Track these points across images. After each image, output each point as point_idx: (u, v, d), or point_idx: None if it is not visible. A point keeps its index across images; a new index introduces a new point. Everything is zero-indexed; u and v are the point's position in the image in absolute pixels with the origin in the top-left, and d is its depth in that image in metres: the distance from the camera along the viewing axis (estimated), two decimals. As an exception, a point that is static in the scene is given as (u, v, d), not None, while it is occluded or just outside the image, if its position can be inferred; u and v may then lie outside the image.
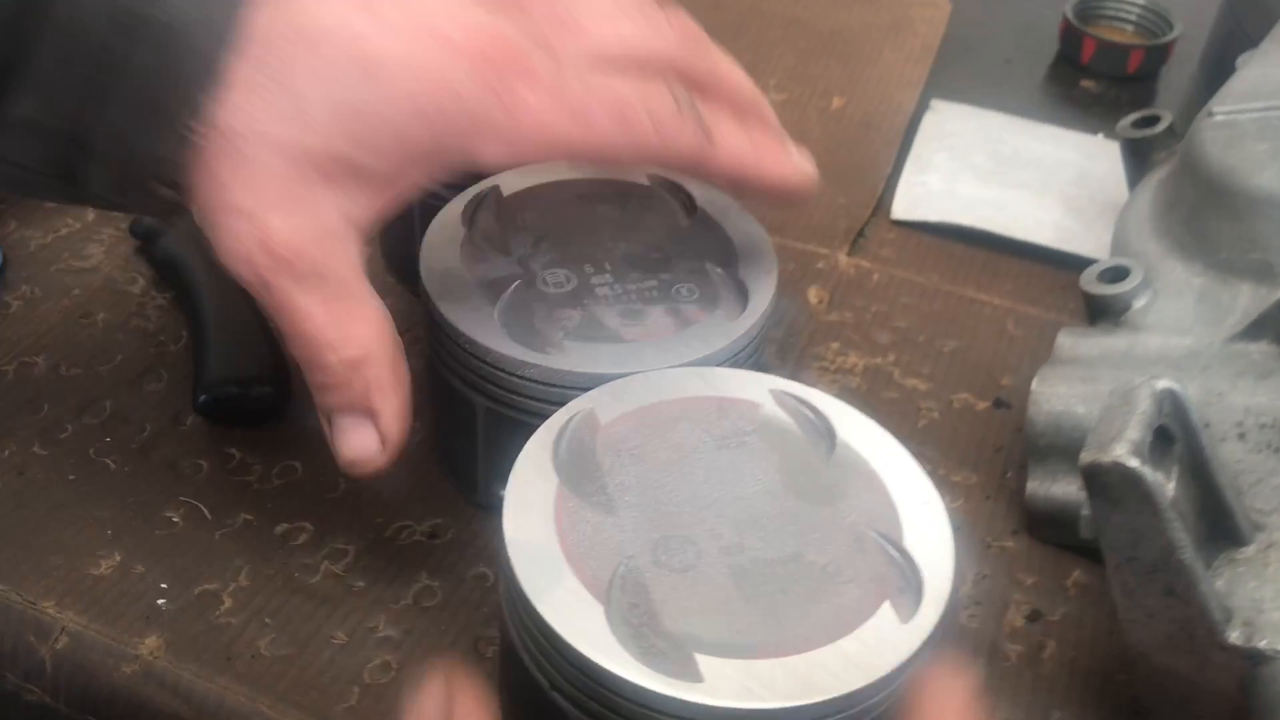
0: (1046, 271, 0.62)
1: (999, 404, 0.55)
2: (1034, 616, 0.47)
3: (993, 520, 0.50)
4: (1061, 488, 0.48)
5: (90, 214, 0.61)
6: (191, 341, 0.53)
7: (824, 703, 0.33)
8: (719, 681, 0.33)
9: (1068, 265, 0.62)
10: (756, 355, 0.47)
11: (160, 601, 0.44)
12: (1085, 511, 0.40)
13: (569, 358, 0.43)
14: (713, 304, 0.46)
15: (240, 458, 0.50)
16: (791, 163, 0.45)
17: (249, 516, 0.48)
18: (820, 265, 0.62)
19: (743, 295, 0.46)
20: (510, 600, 0.37)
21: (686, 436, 0.41)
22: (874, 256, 0.63)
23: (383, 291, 0.58)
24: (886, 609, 0.36)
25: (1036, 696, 0.44)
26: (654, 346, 0.44)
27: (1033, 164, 0.67)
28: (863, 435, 0.41)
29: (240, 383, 0.50)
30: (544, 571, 0.36)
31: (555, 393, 0.43)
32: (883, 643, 0.35)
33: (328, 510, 0.48)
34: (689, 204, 0.50)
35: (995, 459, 0.53)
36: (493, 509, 0.49)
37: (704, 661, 0.34)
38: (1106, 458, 0.36)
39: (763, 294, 0.46)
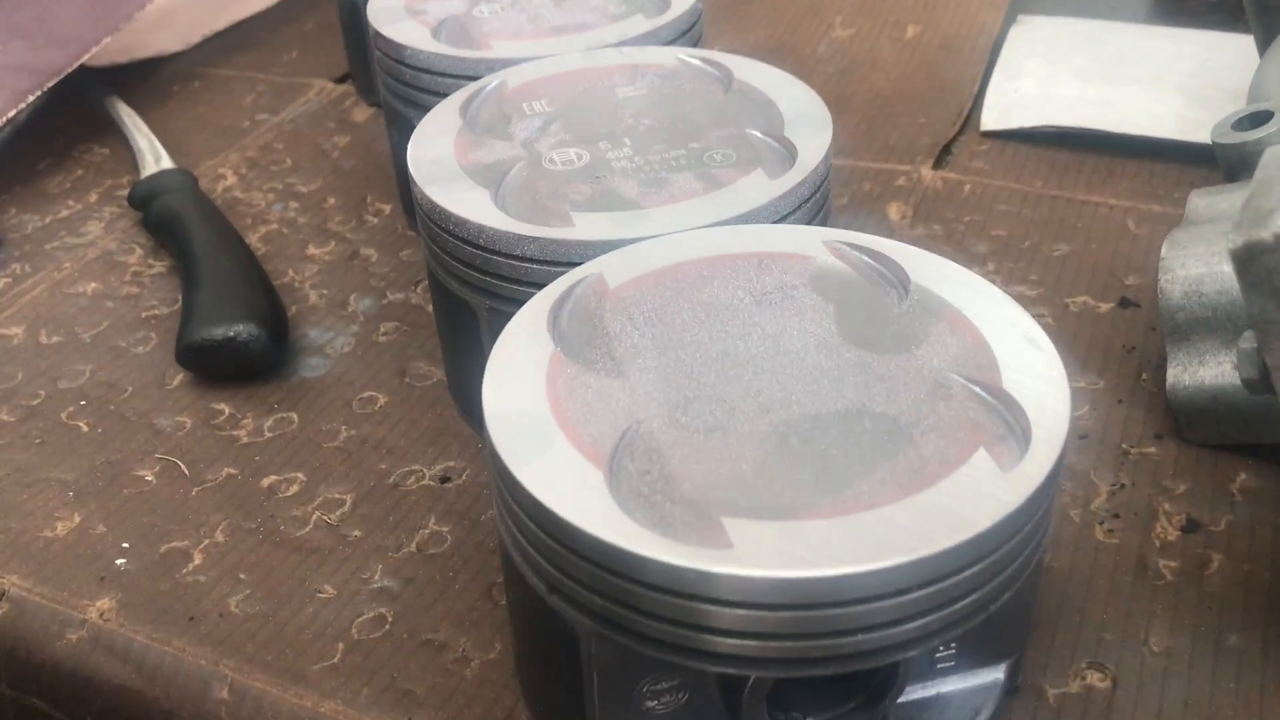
0: (1170, 168, 0.53)
1: (1125, 304, 0.45)
2: (1191, 527, 0.37)
3: (1129, 425, 0.40)
4: (1211, 370, 0.38)
5: (93, 195, 0.57)
6: (183, 296, 0.47)
7: (899, 567, 0.24)
8: (754, 547, 0.25)
9: (1196, 158, 0.53)
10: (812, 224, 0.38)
11: (120, 561, 0.37)
12: (1244, 344, 0.30)
13: (575, 228, 0.35)
14: (752, 166, 0.38)
15: (229, 413, 0.43)
16: None
17: (232, 471, 0.41)
18: (901, 182, 0.53)
19: (790, 155, 0.38)
20: (495, 488, 0.29)
21: (717, 295, 0.32)
22: (964, 169, 0.54)
23: (403, 244, 0.53)
24: (982, 457, 0.27)
25: (1203, 618, 0.34)
26: (678, 209, 0.36)
27: (1144, 60, 0.58)
28: (942, 276, 0.33)
29: (226, 326, 0.43)
30: (530, 440, 0.28)
31: (563, 273, 0.35)
32: (978, 495, 0.26)
33: (324, 459, 0.41)
34: (725, 79, 0.43)
35: (1127, 360, 0.43)
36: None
37: (733, 525, 0.25)
38: (1267, 233, 0.27)
39: (815, 150, 0.38)
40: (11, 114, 0.56)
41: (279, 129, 0.61)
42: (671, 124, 0.41)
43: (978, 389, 0.29)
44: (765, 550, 0.25)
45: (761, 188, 0.37)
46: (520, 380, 0.30)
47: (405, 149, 0.50)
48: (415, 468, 0.41)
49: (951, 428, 0.28)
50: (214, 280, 0.46)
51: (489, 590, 0.36)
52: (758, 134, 0.39)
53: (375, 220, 0.54)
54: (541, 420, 0.28)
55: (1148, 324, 0.44)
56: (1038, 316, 0.45)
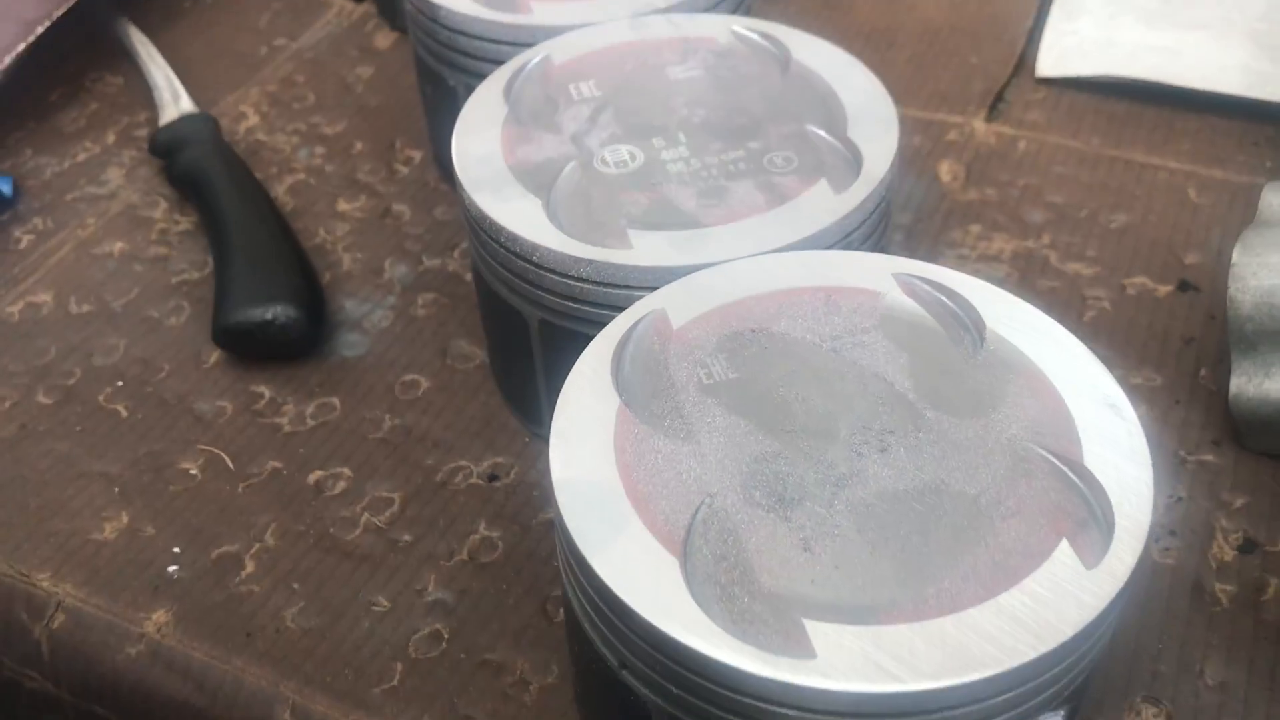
0: (1234, 126, 0.51)
1: (1184, 287, 0.44)
2: (1248, 547, 0.36)
3: (1186, 429, 0.40)
4: (1278, 383, 0.38)
5: (110, 136, 0.55)
6: (215, 267, 0.45)
7: (985, 680, 0.24)
8: (837, 656, 0.25)
9: (1261, 116, 0.51)
10: (876, 239, 0.37)
11: (171, 569, 0.37)
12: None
13: (634, 251, 0.34)
14: (815, 174, 0.36)
15: (270, 397, 0.43)
16: None
17: (277, 464, 0.40)
18: (953, 136, 0.52)
19: (855, 161, 0.36)
20: (565, 557, 0.29)
21: (785, 340, 0.31)
22: (1018, 122, 0.52)
23: (435, 200, 0.51)
24: (1065, 550, 0.26)
25: (1259, 648, 0.34)
26: (741, 230, 0.35)
27: (1210, 1, 0.55)
28: (1020, 325, 0.32)
29: (263, 308, 0.42)
30: (601, 518, 0.27)
31: (619, 295, 0.34)
32: (1062, 595, 0.25)
33: (370, 453, 0.41)
34: (783, 58, 0.41)
35: (1185, 354, 0.42)
36: (560, 443, 0.40)
37: (816, 630, 0.25)
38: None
39: (880, 158, 0.36)
40: (21, 48, 0.53)
41: (299, 58, 0.59)
42: (728, 116, 0.39)
43: (1060, 464, 0.28)
44: (848, 661, 0.24)
45: (826, 204, 0.35)
46: (587, 445, 0.29)
47: (439, 104, 0.48)
48: (463, 463, 0.40)
49: (1034, 511, 0.27)
50: (247, 253, 0.44)
51: (543, 606, 0.36)
52: (821, 133, 0.37)
53: (405, 170, 0.52)
54: (612, 494, 0.28)
55: (1207, 311, 0.43)
56: (1095, 301, 0.44)
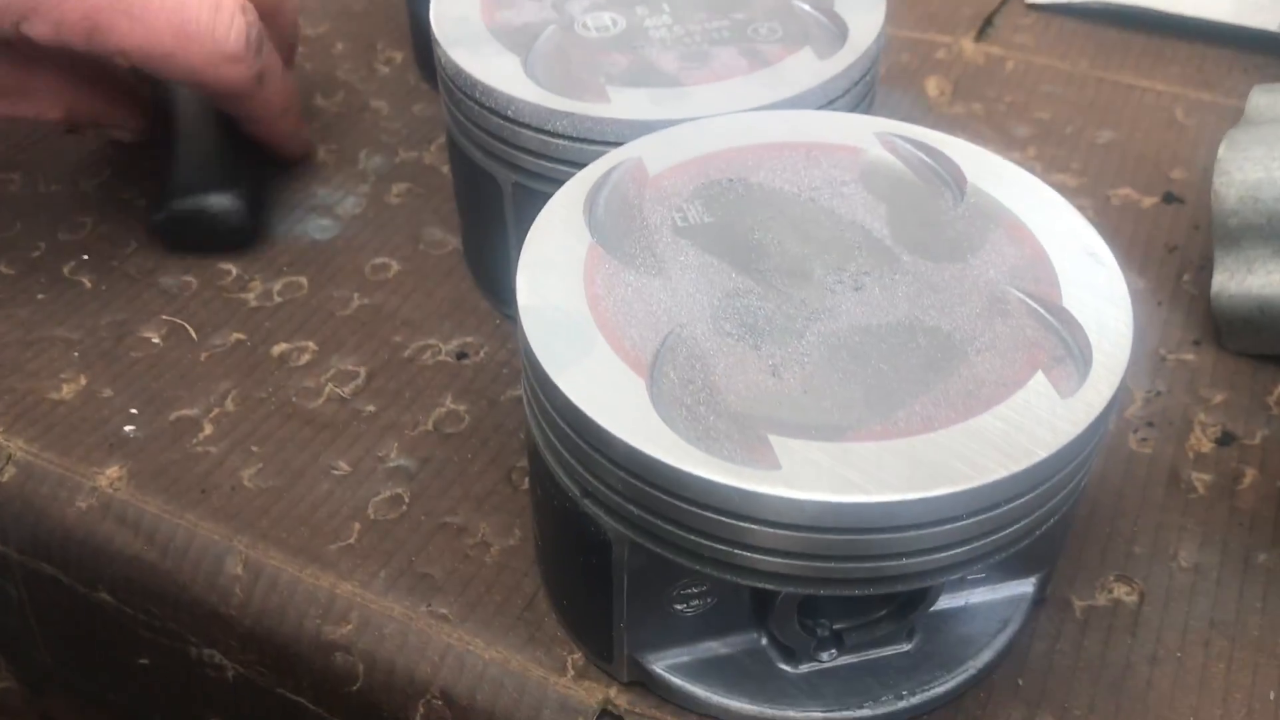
0: (1224, 54, 0.50)
1: (1169, 199, 0.44)
2: (1225, 440, 0.36)
3: (1168, 329, 0.39)
4: (1260, 279, 0.37)
5: (89, 28, 0.54)
6: (160, 160, 0.44)
7: (952, 495, 0.24)
8: (803, 469, 0.24)
9: (1250, 44, 0.50)
10: (862, 110, 0.37)
11: (128, 428, 0.36)
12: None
13: (611, 104, 0.34)
14: (800, 43, 0.36)
15: (236, 274, 0.42)
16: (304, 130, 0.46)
17: (241, 336, 0.40)
18: (940, 55, 0.51)
19: (840, 32, 0.36)
20: (528, 387, 0.28)
21: (762, 188, 0.31)
22: (1006, 43, 0.52)
23: (415, 98, 0.50)
24: (1040, 380, 0.26)
25: (1233, 534, 0.33)
26: (722, 89, 0.34)
27: (1202, -69, 0.55)
28: (1002, 179, 0.31)
29: (200, 197, 0.41)
30: (568, 340, 0.27)
31: (596, 152, 0.33)
32: (1036, 421, 0.25)
33: (336, 328, 0.40)
34: (770, -59, 0.40)
35: (1168, 260, 0.42)
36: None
37: (781, 445, 0.24)
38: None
39: (867, 29, 0.36)
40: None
41: (284, -37, 0.58)
42: (713, -10, 0.38)
43: (1036, 305, 0.27)
44: (814, 473, 0.24)
45: (810, 69, 0.34)
46: (557, 275, 0.28)
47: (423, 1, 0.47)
48: (431, 342, 0.39)
49: (1008, 347, 0.27)
50: (187, 144, 0.43)
51: (508, 474, 0.35)
52: (806, 7, 0.37)
53: (386, 70, 0.51)
54: (580, 320, 0.27)
55: (1191, 222, 0.43)
56: (1079, 209, 0.43)
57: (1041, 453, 0.24)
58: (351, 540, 0.33)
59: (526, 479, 0.35)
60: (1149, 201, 0.44)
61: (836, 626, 0.29)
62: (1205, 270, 0.40)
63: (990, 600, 0.31)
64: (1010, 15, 0.53)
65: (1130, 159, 0.46)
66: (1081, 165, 0.45)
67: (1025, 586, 0.31)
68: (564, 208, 0.30)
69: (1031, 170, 0.42)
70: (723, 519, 0.24)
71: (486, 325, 0.40)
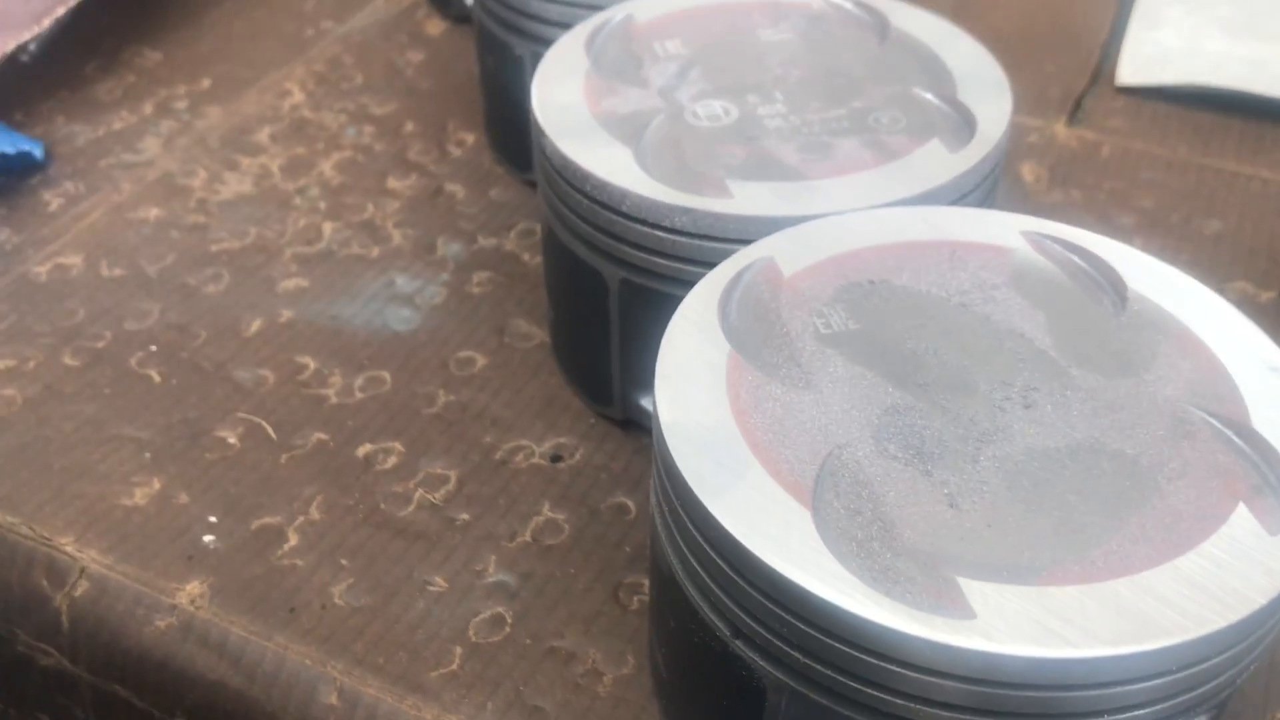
0: (1325, 138, 0.49)
1: (1289, 292, 0.42)
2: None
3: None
4: None
5: (148, 107, 0.52)
6: None
7: (1169, 649, 0.21)
8: (1000, 618, 0.22)
9: (1353, 128, 0.49)
10: (988, 206, 0.35)
11: (207, 538, 0.34)
12: None
13: (734, 200, 0.32)
14: (926, 134, 0.34)
15: (315, 368, 0.40)
16: None
17: (323, 436, 0.37)
18: (1033, 139, 0.49)
19: (967, 123, 0.34)
20: (669, 508, 0.26)
21: (908, 292, 0.29)
22: (1100, 128, 0.50)
23: (490, 181, 0.49)
24: (1242, 514, 0.23)
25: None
26: (850, 184, 0.32)
27: (1294, 13, 0.53)
28: (1164, 286, 0.29)
29: None
30: (719, 462, 0.24)
31: (715, 249, 0.32)
32: (1246, 561, 0.23)
33: (423, 428, 0.38)
34: (880, 25, 0.39)
35: (1295, 358, 0.39)
36: (632, 425, 0.38)
37: (973, 589, 0.22)
38: None
39: (996, 119, 0.34)
40: (60, 12, 0.51)
41: (346, 40, 0.57)
42: (826, 77, 0.36)
43: (1224, 427, 0.25)
44: (1013, 622, 0.21)
45: (941, 162, 0.33)
46: (698, 387, 0.26)
47: (500, 78, 0.46)
48: (523, 443, 0.37)
49: (1201, 475, 0.24)
50: None
51: (614, 592, 0.33)
52: (929, 96, 0.35)
53: (459, 152, 0.49)
54: (730, 439, 0.25)
55: (1314, 318, 0.41)
56: (1194, 302, 0.41)
57: (1260, 599, 0.22)
58: (454, 666, 0.31)
59: (636, 598, 0.33)
60: (1266, 296, 0.42)
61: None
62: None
63: (1160, 742, 0.28)
64: (1101, 98, 0.52)
65: (1243, 250, 0.44)
66: (1192, 257, 0.43)
67: (1196, 725, 0.28)
68: (696, 313, 0.28)
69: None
70: (906, 671, 0.22)
71: (580, 425, 0.38)
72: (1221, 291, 0.42)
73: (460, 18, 0.57)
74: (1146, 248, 0.44)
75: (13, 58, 0.50)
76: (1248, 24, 0.53)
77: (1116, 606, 0.22)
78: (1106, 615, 0.22)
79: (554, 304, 0.39)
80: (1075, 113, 0.51)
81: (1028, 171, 0.48)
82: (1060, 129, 0.50)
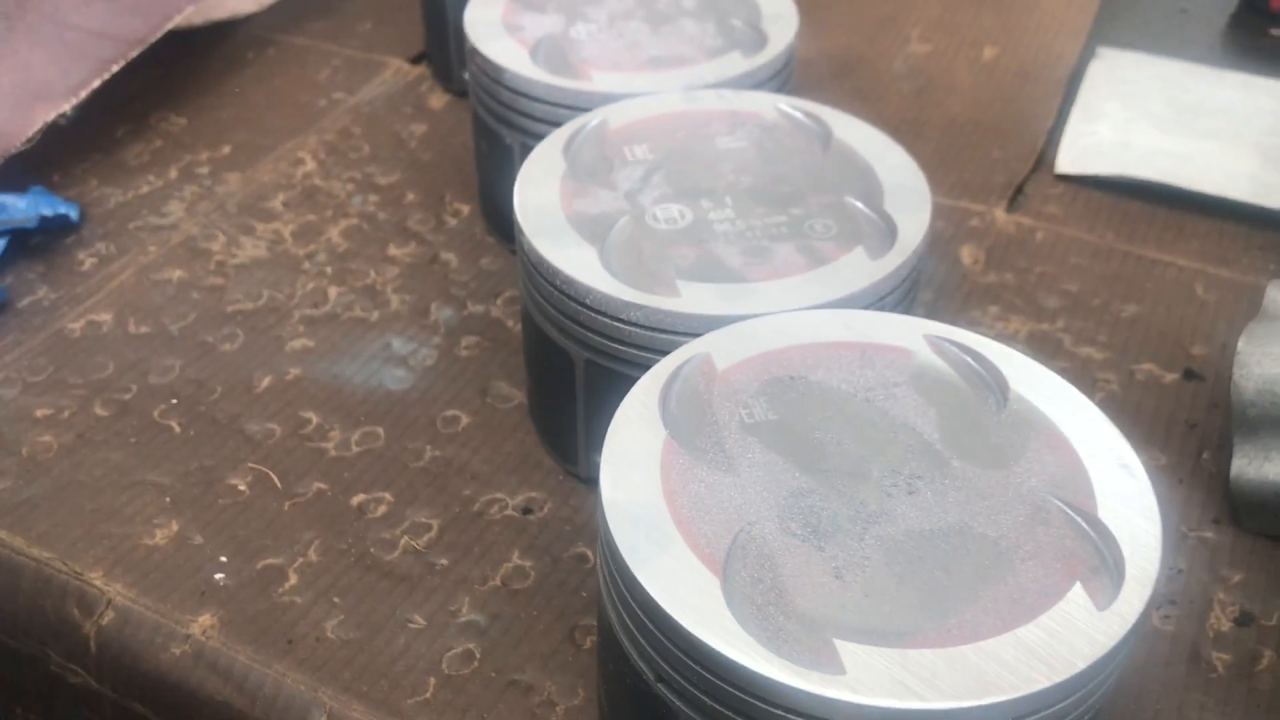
0: (1240, 230, 0.54)
1: (1190, 375, 0.47)
2: (1244, 620, 0.38)
3: (1188, 507, 0.42)
4: (1277, 467, 0.40)
5: (173, 171, 0.57)
6: None
7: (1001, 704, 0.26)
8: (866, 674, 0.26)
9: (1266, 223, 0.54)
10: (905, 306, 0.40)
11: (218, 576, 0.39)
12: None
13: (681, 299, 0.37)
14: (853, 241, 0.39)
15: (317, 423, 0.45)
16: None
17: (323, 486, 0.42)
18: (974, 223, 0.54)
19: (890, 232, 0.39)
20: (608, 571, 0.31)
21: (822, 388, 0.34)
22: (1036, 213, 0.55)
23: (482, 251, 0.54)
24: (1078, 592, 0.28)
25: (1251, 715, 0.36)
26: (783, 287, 0.37)
27: (1221, 112, 0.58)
28: (1041, 388, 0.34)
29: None
30: (648, 536, 0.29)
31: (665, 340, 0.37)
32: (1074, 632, 0.27)
33: (410, 480, 0.43)
34: (824, 136, 0.44)
35: (1188, 437, 0.44)
36: (594, 482, 0.42)
37: (846, 650, 0.27)
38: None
39: (914, 230, 0.39)
40: (96, 84, 0.56)
41: (356, 112, 0.62)
42: (772, 184, 0.41)
43: (1075, 515, 0.30)
44: (877, 679, 0.26)
45: (863, 269, 0.38)
46: (636, 471, 0.31)
47: (492, 161, 0.51)
48: (498, 496, 0.42)
49: (1050, 556, 0.29)
50: None
51: (570, 633, 0.38)
52: (858, 204, 0.40)
53: (454, 222, 0.55)
54: (658, 517, 0.30)
55: (1211, 399, 0.46)
56: (1104, 383, 0.46)
57: (1080, 664, 0.27)
58: (428, 695, 0.36)
59: (589, 638, 0.38)
60: (1170, 377, 0.47)
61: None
62: (1224, 449, 0.43)
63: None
64: (1040, 184, 0.57)
65: (1154, 334, 0.49)
66: (1108, 338, 0.48)
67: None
68: (641, 403, 0.33)
69: (1060, 342, 0.46)
70: (791, 718, 0.27)
71: (550, 480, 0.43)
72: (1131, 372, 0.47)
73: (461, 92, 0.62)
74: (1068, 328, 0.49)
75: (52, 125, 0.55)
76: (1176, 121, 0.58)
77: (964, 668, 0.27)
78: (955, 675, 0.26)
79: (530, 374, 0.44)
80: (1016, 198, 0.56)
81: (967, 254, 0.53)
82: (1000, 214, 0.55)
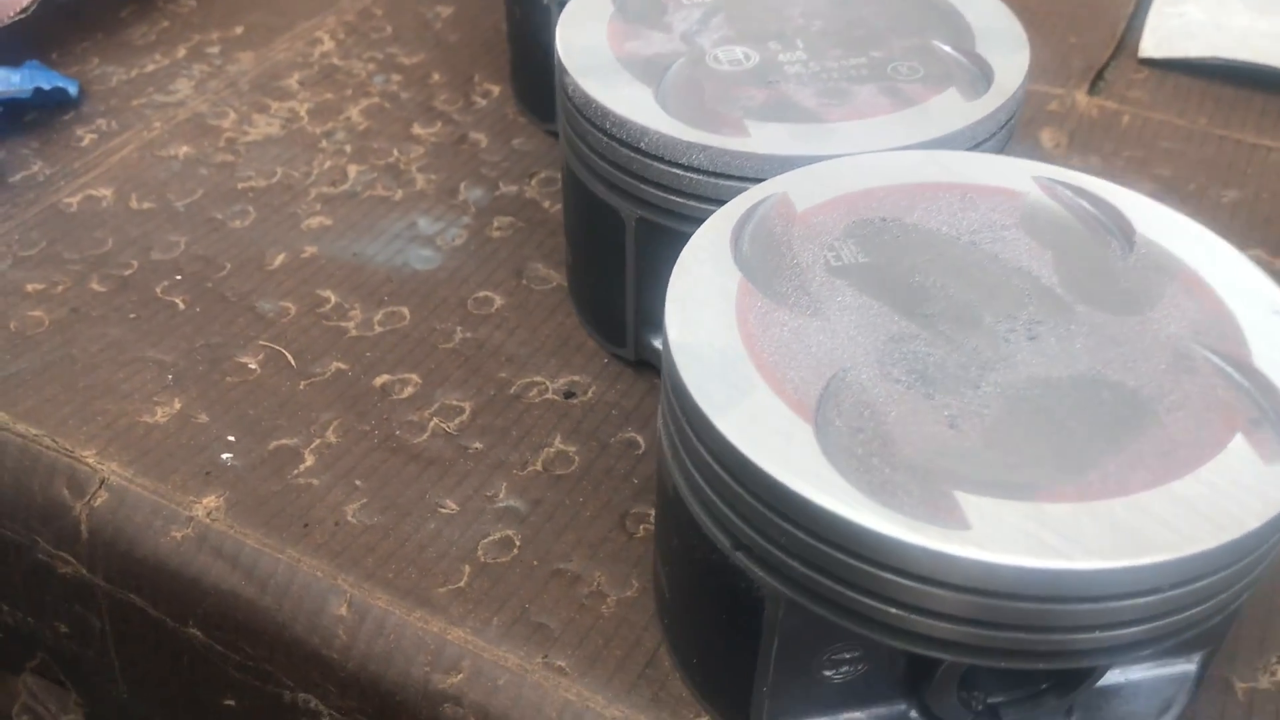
0: (1346, 114, 0.49)
1: (1302, 262, 0.42)
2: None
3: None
4: None
5: (181, 51, 0.53)
6: None
7: (1161, 565, 0.22)
8: (995, 530, 0.22)
9: (1375, 106, 0.49)
10: (1002, 154, 0.35)
11: (225, 456, 0.35)
12: None
13: (751, 139, 0.32)
14: (943, 83, 0.34)
15: (336, 301, 0.40)
16: None
17: (342, 365, 0.38)
18: (1053, 106, 0.50)
19: (984, 74, 0.34)
20: (674, 428, 0.26)
21: (919, 230, 0.29)
22: (1121, 98, 0.50)
23: (514, 131, 0.49)
24: (1240, 444, 0.24)
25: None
26: (866, 127, 0.33)
27: (1321, -8, 0.53)
28: (1171, 230, 0.29)
29: None
30: (725, 380, 0.25)
31: (731, 188, 0.32)
32: (1240, 488, 0.23)
33: (440, 361, 0.38)
34: (903, -19, 0.39)
35: (1305, 325, 0.40)
36: (645, 365, 0.38)
37: (969, 502, 0.23)
38: None
39: (1013, 71, 0.34)
40: (97, -46, 0.52)
41: (377, -8, 0.57)
42: (847, 27, 0.37)
43: (1225, 364, 0.26)
44: (1010, 534, 0.22)
45: (957, 109, 0.33)
46: (708, 311, 0.27)
47: (527, 26, 0.46)
48: (537, 379, 0.38)
49: (1200, 407, 0.25)
50: None
51: (621, 521, 0.34)
52: (947, 48, 0.36)
53: (484, 102, 0.50)
54: (736, 359, 0.26)
55: (1326, 286, 0.41)
56: (1206, 268, 0.42)
57: (1254, 522, 0.22)
58: (462, 584, 0.32)
59: (641, 526, 0.33)
60: (1279, 263, 0.42)
61: (994, 700, 0.27)
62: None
63: (1152, 677, 0.28)
64: (1122, 70, 0.52)
65: (1259, 219, 0.44)
66: (1207, 224, 0.44)
67: (1189, 665, 0.29)
68: (710, 243, 0.29)
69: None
70: (901, 580, 0.23)
71: (594, 364, 0.38)
72: (1235, 258, 0.42)
73: (490, -26, 0.57)
74: (1162, 214, 0.44)
75: (49, -3, 0.51)
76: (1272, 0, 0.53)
77: (1111, 523, 0.22)
78: (1100, 530, 0.22)
79: (572, 245, 0.39)
80: (1096, 83, 0.51)
81: (1047, 137, 0.48)
82: (1081, 97, 0.50)
